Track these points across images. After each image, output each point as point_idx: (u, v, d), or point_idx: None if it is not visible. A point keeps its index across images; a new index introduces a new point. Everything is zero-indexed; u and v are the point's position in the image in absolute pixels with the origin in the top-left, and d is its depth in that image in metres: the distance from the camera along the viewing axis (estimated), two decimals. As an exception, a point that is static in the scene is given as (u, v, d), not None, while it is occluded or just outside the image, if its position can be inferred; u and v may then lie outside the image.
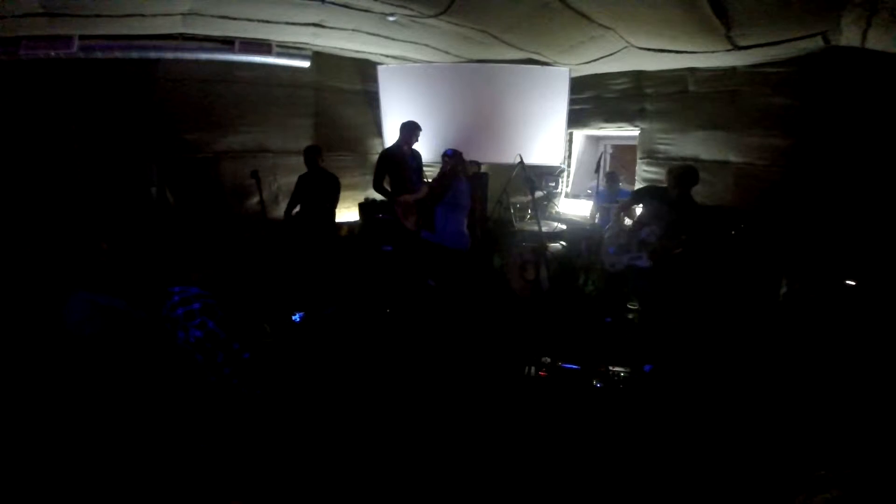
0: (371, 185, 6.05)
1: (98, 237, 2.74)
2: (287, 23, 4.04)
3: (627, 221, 3.56)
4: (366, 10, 3.61)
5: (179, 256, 1.99)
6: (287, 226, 4.46)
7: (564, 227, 4.91)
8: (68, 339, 2.02)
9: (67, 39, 3.71)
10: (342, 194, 4.67)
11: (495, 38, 4.26)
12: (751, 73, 4.09)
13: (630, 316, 3.66)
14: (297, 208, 4.43)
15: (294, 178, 4.61)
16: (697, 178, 3.20)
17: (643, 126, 5.11)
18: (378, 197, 5.31)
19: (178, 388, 1.88)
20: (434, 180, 3.98)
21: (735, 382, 2.69)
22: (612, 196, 4.80)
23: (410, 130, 4.37)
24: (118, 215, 3.89)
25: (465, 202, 3.82)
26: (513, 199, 5.01)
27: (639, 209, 3.49)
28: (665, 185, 3.35)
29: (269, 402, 2.00)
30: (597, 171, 5.18)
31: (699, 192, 4.43)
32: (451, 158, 3.79)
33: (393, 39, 4.59)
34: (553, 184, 5.86)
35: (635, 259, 3.25)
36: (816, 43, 3.22)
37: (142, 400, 1.90)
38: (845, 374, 2.61)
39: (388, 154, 4.41)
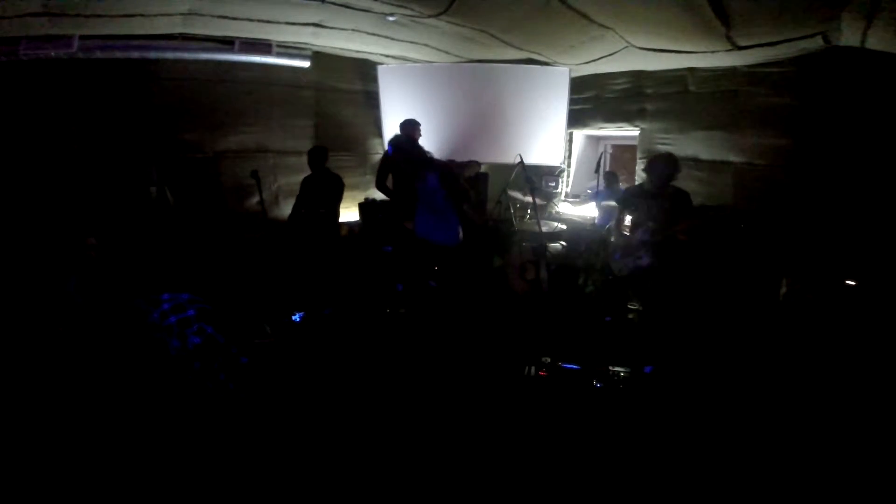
0: (371, 184, 6.07)
1: (85, 232, 2.76)
2: (287, 23, 4.04)
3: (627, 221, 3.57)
4: (366, 10, 3.61)
5: (178, 258, 1.99)
6: (292, 228, 4.46)
7: (564, 227, 4.91)
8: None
9: (67, 39, 3.71)
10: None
11: (495, 38, 4.26)
12: (751, 73, 4.09)
13: (630, 316, 3.66)
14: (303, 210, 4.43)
15: (294, 179, 4.60)
16: (673, 163, 3.19)
17: (643, 126, 5.11)
18: (378, 197, 5.31)
19: (172, 396, 1.85)
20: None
21: (735, 383, 2.69)
22: (612, 195, 4.79)
23: (412, 128, 4.37)
24: (117, 215, 3.89)
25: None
26: (513, 199, 5.01)
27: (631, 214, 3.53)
28: (644, 183, 3.42)
29: (267, 405, 2.00)
30: (597, 171, 5.18)
31: (699, 193, 4.46)
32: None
33: (393, 39, 4.59)
34: (553, 184, 5.86)
35: (637, 260, 3.26)
36: (816, 43, 3.22)
37: (135, 408, 1.87)
38: (845, 374, 2.61)
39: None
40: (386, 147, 4.50)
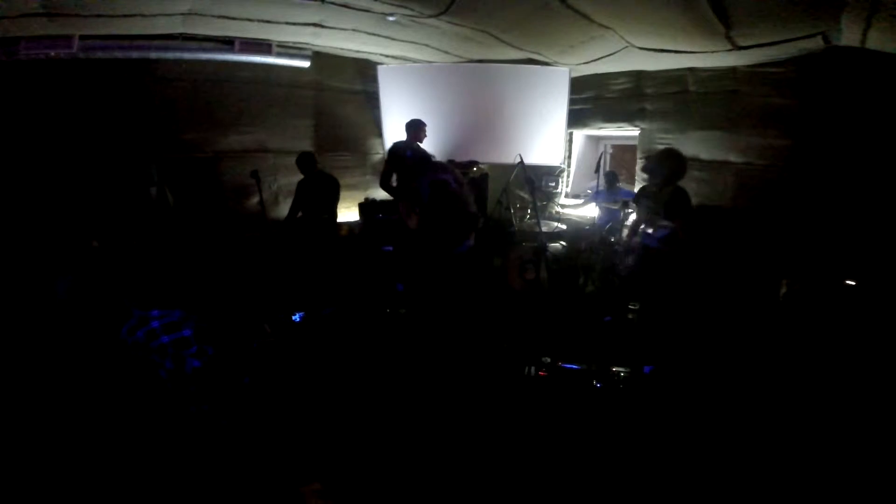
0: (372, 184, 6.06)
1: (90, 235, 2.74)
2: (287, 23, 4.04)
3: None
4: (366, 10, 3.61)
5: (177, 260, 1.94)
6: (289, 230, 4.47)
7: (564, 227, 4.91)
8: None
9: (67, 39, 3.71)
10: (342, 194, 4.67)
11: (495, 38, 4.26)
12: (751, 73, 4.08)
13: (630, 316, 3.66)
14: (300, 213, 4.44)
15: (294, 179, 4.61)
16: (678, 161, 3.16)
17: (643, 126, 5.11)
18: (378, 197, 5.32)
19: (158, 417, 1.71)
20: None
21: (735, 383, 2.69)
22: (611, 196, 4.80)
23: (417, 128, 4.37)
24: (116, 215, 3.89)
25: None
26: (513, 199, 5.02)
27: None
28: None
29: (268, 404, 1.98)
30: (597, 171, 5.18)
31: (699, 193, 4.46)
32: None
33: (393, 39, 4.59)
34: (553, 184, 5.86)
35: (629, 259, 3.29)
36: (816, 43, 3.22)
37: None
38: (845, 374, 2.61)
39: (397, 152, 4.41)
40: (388, 148, 4.48)
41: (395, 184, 4.40)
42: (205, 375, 1.62)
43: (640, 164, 5.18)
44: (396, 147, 4.32)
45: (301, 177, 4.47)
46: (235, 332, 1.83)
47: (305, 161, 4.37)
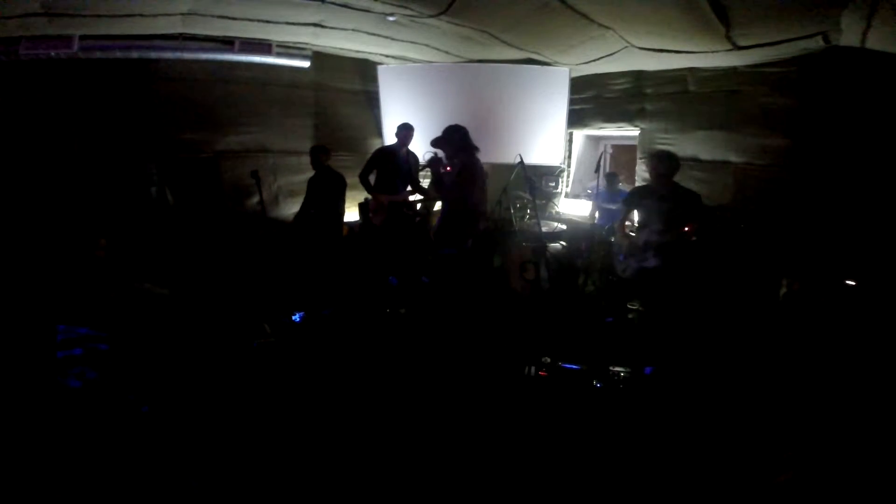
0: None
1: (97, 234, 2.72)
2: (287, 23, 4.04)
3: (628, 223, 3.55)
4: (366, 10, 3.61)
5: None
6: (299, 227, 4.45)
7: (564, 227, 4.90)
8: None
9: (67, 39, 3.71)
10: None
11: (495, 38, 4.26)
12: (751, 73, 4.09)
13: (630, 316, 3.66)
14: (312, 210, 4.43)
15: (294, 178, 4.60)
16: (674, 161, 3.15)
17: (643, 126, 5.11)
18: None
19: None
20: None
21: (735, 383, 2.69)
22: (611, 196, 4.80)
23: (406, 131, 4.35)
24: (117, 215, 3.89)
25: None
26: (513, 199, 5.01)
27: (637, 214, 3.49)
28: (650, 183, 3.37)
29: (269, 403, 1.98)
30: (597, 171, 5.18)
31: (699, 193, 4.45)
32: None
33: (393, 39, 4.59)
34: (553, 184, 5.86)
35: (643, 261, 3.19)
36: (816, 43, 3.22)
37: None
38: (845, 374, 2.61)
39: (383, 152, 4.41)
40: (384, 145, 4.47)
41: (372, 181, 4.41)
42: (84, 396, 1.61)
43: (640, 164, 5.18)
44: (389, 150, 4.36)
45: (305, 174, 4.46)
46: (153, 358, 1.77)
47: (313, 154, 4.36)
